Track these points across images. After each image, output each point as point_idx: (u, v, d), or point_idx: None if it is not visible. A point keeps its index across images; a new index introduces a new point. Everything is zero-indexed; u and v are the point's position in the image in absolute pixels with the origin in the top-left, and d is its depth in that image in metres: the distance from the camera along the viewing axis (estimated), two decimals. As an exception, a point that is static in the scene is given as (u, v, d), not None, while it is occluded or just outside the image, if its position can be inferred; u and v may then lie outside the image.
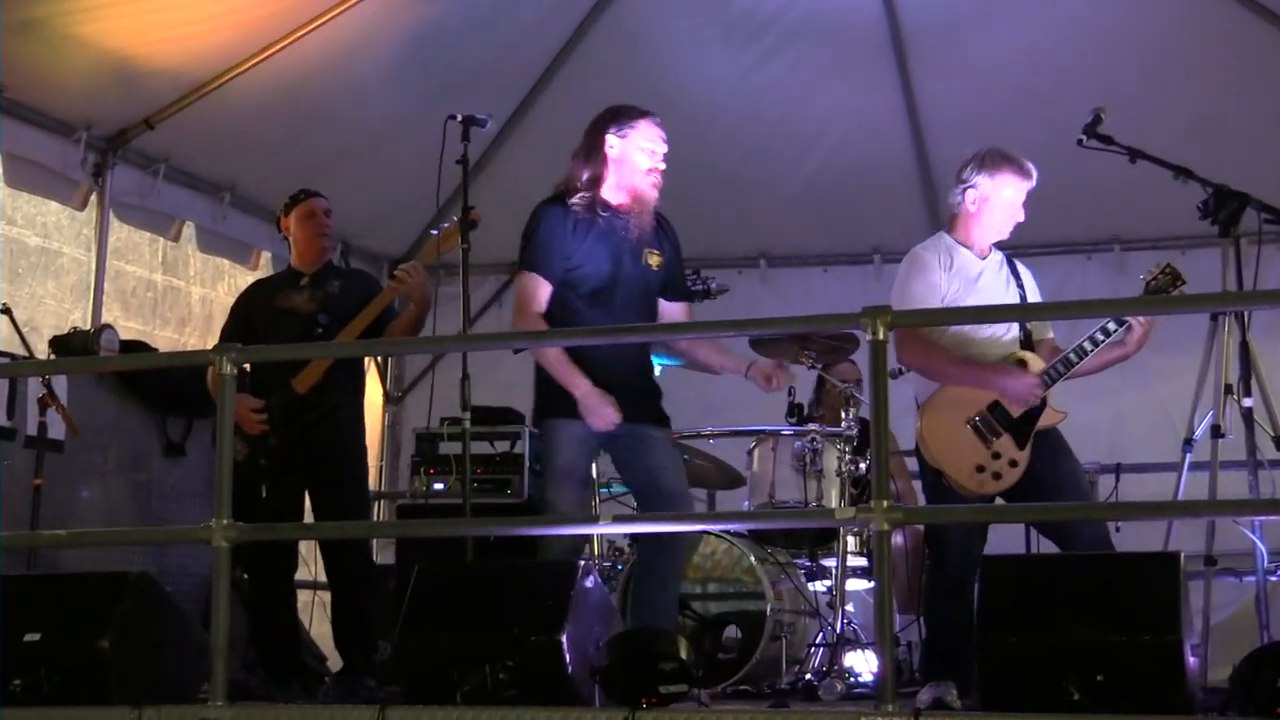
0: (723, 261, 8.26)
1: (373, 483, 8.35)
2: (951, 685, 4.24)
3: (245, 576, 5.57)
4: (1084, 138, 4.99)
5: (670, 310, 5.10)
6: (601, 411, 4.82)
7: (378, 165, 7.74)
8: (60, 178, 6.82)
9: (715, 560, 5.81)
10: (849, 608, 5.80)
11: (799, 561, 6.01)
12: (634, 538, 5.79)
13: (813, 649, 5.92)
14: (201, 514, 4.60)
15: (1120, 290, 7.90)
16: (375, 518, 8.28)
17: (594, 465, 6.11)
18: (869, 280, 8.56)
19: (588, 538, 5.17)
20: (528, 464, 6.83)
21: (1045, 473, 4.86)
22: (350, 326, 5.41)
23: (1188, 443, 5.22)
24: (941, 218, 5.54)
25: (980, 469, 4.84)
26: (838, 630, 5.63)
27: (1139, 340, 4.89)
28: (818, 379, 6.74)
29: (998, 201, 5.01)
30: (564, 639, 4.13)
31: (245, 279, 7.51)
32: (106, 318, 6.84)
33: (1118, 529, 5.01)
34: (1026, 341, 5.05)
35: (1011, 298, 5.07)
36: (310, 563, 6.00)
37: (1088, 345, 4.88)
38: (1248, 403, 4.96)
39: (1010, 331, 5.02)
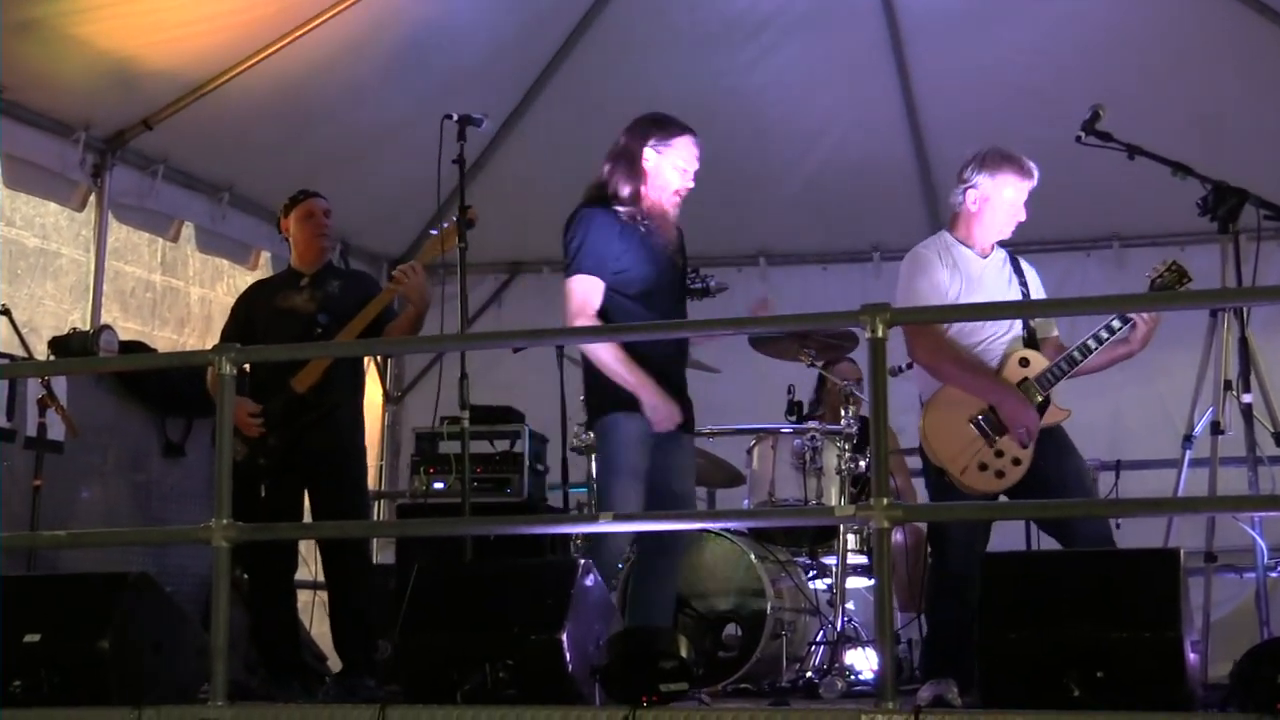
0: (722, 259, 8.26)
1: (372, 482, 8.35)
2: (952, 683, 4.24)
3: (245, 576, 5.57)
4: (1082, 134, 4.98)
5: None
6: (667, 411, 4.84)
7: (376, 165, 7.74)
8: (59, 178, 6.82)
9: (716, 559, 5.81)
10: (849, 606, 5.80)
11: (799, 559, 6.01)
12: (634, 537, 5.78)
13: (813, 647, 5.92)
14: (201, 514, 4.60)
15: (1120, 287, 7.90)
16: (376, 517, 8.29)
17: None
18: (868, 278, 8.57)
19: (630, 539, 5.18)
20: (527, 463, 6.84)
21: (1049, 471, 4.85)
22: (349, 326, 5.41)
23: (1187, 439, 5.22)
24: (941, 216, 5.55)
25: (983, 467, 4.83)
26: (838, 628, 5.63)
27: (1144, 338, 4.88)
28: (817, 377, 6.74)
29: (999, 201, 5.00)
30: (564, 638, 4.13)
31: (244, 279, 7.51)
32: (105, 318, 6.84)
33: (1118, 526, 5.00)
34: (1030, 339, 5.04)
35: (1014, 296, 5.06)
36: (310, 562, 6.00)
37: (1091, 343, 4.87)
38: (1247, 399, 4.96)
39: (1012, 330, 5.01)
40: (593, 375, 4.92)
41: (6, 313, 5.90)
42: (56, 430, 5.78)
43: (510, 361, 7.62)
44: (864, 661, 5.58)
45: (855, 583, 5.99)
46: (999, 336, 4.98)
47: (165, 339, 7.67)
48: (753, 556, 5.71)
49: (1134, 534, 5.25)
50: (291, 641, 5.54)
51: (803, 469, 5.76)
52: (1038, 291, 5.18)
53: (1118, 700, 3.67)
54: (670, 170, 4.96)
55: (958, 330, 4.95)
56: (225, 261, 8.02)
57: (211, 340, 6.79)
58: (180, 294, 7.89)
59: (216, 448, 4.49)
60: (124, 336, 6.62)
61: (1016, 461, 4.84)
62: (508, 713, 3.99)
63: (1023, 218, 5.05)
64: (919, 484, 5.99)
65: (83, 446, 6.06)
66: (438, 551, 6.10)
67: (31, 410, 5.71)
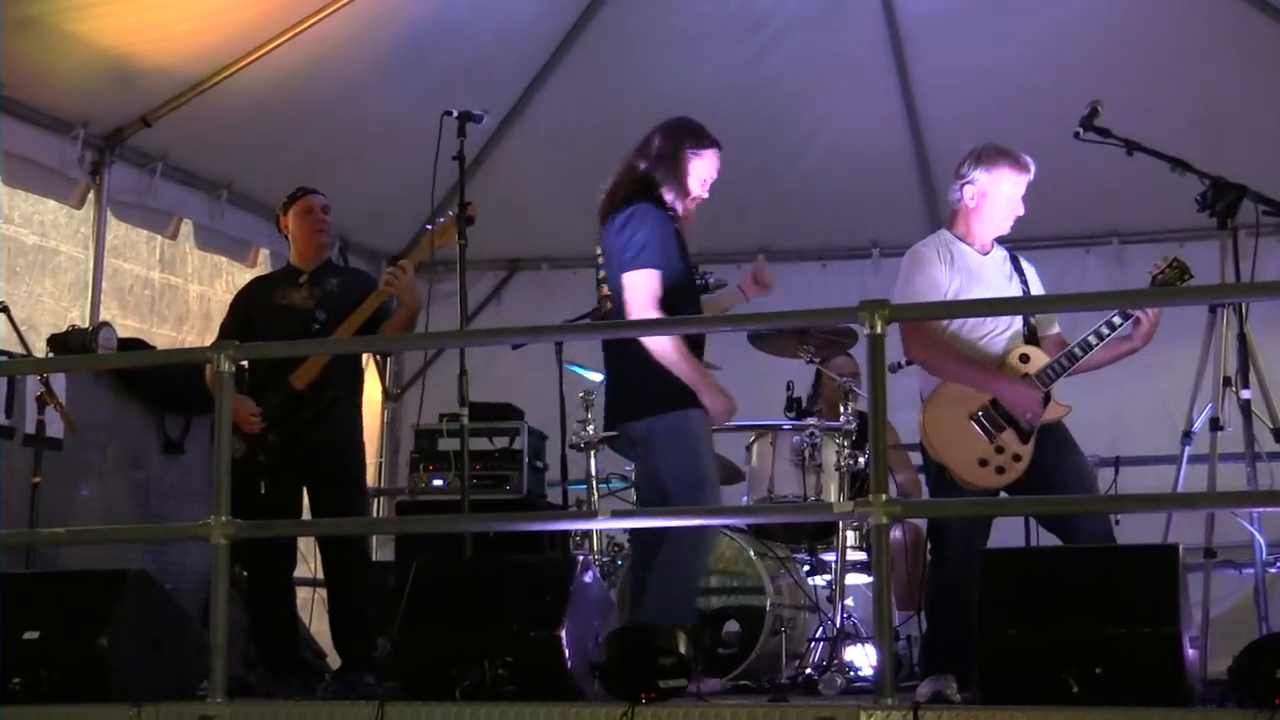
0: (721, 256, 8.24)
1: (372, 479, 8.37)
2: (951, 679, 4.24)
3: (244, 574, 5.56)
4: (1081, 130, 4.98)
5: None
6: (726, 405, 4.91)
7: (375, 162, 7.74)
8: (57, 176, 6.82)
9: (715, 555, 5.80)
10: (849, 602, 5.80)
11: (798, 556, 6.01)
12: (632, 535, 5.79)
13: (812, 643, 5.92)
14: (200, 511, 4.61)
15: (1119, 283, 7.90)
16: (375, 514, 8.29)
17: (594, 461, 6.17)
18: (867, 275, 8.57)
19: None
20: (526, 460, 6.84)
21: (1050, 467, 4.85)
22: (346, 324, 5.42)
23: (1186, 435, 5.22)
24: (941, 213, 5.54)
25: (984, 463, 4.84)
26: (837, 625, 5.62)
27: (1146, 334, 4.88)
28: (816, 373, 6.74)
29: (996, 196, 5.00)
30: (563, 634, 4.13)
31: (243, 276, 7.51)
32: (104, 316, 6.84)
33: (1117, 522, 5.00)
34: (1030, 336, 5.04)
35: (1014, 293, 5.06)
36: (310, 559, 6.00)
37: (1092, 339, 4.87)
38: (1246, 395, 4.96)
39: (1013, 326, 5.02)
40: (650, 370, 4.85)
41: (5, 310, 5.89)
42: (55, 428, 5.78)
43: (509, 358, 7.62)
44: (863, 658, 5.58)
45: (855, 579, 5.99)
46: (999, 333, 4.98)
47: (164, 336, 7.67)
48: (752, 553, 5.71)
49: (1133, 530, 5.24)
50: (291, 638, 5.54)
51: (802, 465, 5.76)
52: (1037, 289, 5.19)
53: (1117, 696, 3.68)
54: (694, 179, 5.04)
55: (958, 327, 4.95)
56: (224, 259, 8.02)
57: (210, 337, 6.79)
58: (179, 291, 7.90)
59: (215, 445, 4.49)
60: (123, 334, 6.63)
61: (1017, 458, 4.84)
62: (507, 709, 3.99)
63: (1021, 212, 5.05)
64: (925, 479, 5.99)
65: (82, 444, 6.07)
66: (437, 548, 6.11)
67: (30, 408, 5.72)
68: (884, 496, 3.91)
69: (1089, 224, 8.37)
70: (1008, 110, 7.46)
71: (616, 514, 5.43)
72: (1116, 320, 4.86)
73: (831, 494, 5.74)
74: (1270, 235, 5.24)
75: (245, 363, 5.53)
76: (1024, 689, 3.77)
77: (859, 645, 5.65)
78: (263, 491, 5.41)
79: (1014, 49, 7.56)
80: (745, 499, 6.00)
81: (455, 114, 5.53)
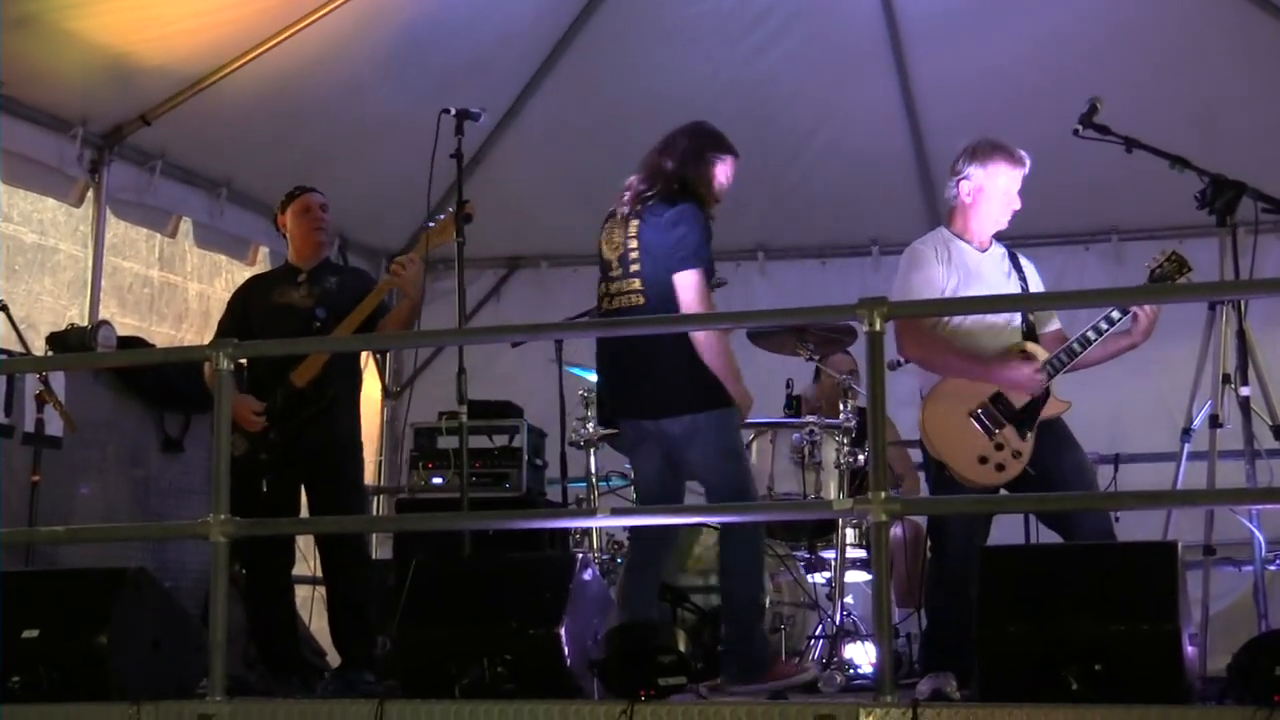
0: (720, 254, 8.18)
1: (371, 477, 8.37)
2: (951, 677, 4.24)
3: (243, 572, 5.56)
4: (1080, 127, 4.98)
5: None
6: (750, 403, 5.07)
7: (375, 159, 7.74)
8: (56, 174, 6.81)
9: (714, 552, 5.79)
10: (848, 600, 5.79)
11: (798, 554, 6.00)
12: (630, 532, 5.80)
13: (812, 641, 5.91)
14: (200, 510, 4.61)
15: (1118, 280, 7.90)
16: (375, 512, 8.29)
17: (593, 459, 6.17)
18: (867, 272, 8.56)
19: None
20: (526, 458, 6.84)
21: (1050, 464, 4.85)
22: (346, 321, 5.41)
23: (1186, 432, 5.21)
24: (940, 210, 5.54)
25: (983, 460, 4.84)
26: (837, 622, 5.62)
27: (1145, 330, 4.89)
28: (813, 370, 6.74)
29: (992, 191, 5.01)
30: (562, 632, 4.13)
31: (242, 274, 7.50)
32: (103, 314, 6.84)
33: (1116, 519, 5.01)
34: (1029, 333, 5.04)
35: (1013, 290, 5.06)
36: (309, 558, 6.00)
37: (1091, 334, 4.87)
38: (1245, 392, 4.95)
39: (1012, 323, 5.02)
40: (693, 366, 4.90)
41: (4, 309, 5.89)
42: (55, 426, 5.78)
43: (509, 356, 7.62)
44: (863, 655, 5.58)
45: (854, 577, 5.99)
46: (1000, 330, 4.98)
47: (163, 334, 7.67)
48: (751, 551, 5.70)
49: (1133, 527, 5.25)
50: (290, 637, 5.54)
51: (801, 463, 5.77)
52: (1036, 286, 5.19)
53: (1116, 694, 3.67)
54: (716, 184, 5.17)
55: (956, 324, 4.96)
56: (223, 257, 8.01)
57: (209, 336, 6.78)
58: (178, 289, 7.90)
59: (214, 443, 4.49)
60: (122, 332, 6.63)
61: (1017, 454, 4.84)
62: (506, 707, 3.98)
63: (1017, 206, 5.06)
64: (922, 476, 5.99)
65: (81, 442, 6.06)
66: (436, 546, 6.11)
67: (29, 406, 5.71)
68: (883, 494, 3.91)
69: (1088, 221, 8.37)
70: (1007, 107, 7.46)
71: (616, 512, 5.44)
72: (1115, 315, 4.86)
73: (831, 491, 5.74)
74: (1269, 232, 5.25)
75: (244, 361, 5.53)
76: (1023, 686, 3.76)
77: (859, 643, 5.65)
78: (264, 490, 5.40)
79: (1013, 45, 7.56)
80: (745, 496, 5.99)
81: (453, 112, 5.54)
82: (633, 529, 5.46)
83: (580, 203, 8.21)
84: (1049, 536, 5.07)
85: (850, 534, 5.77)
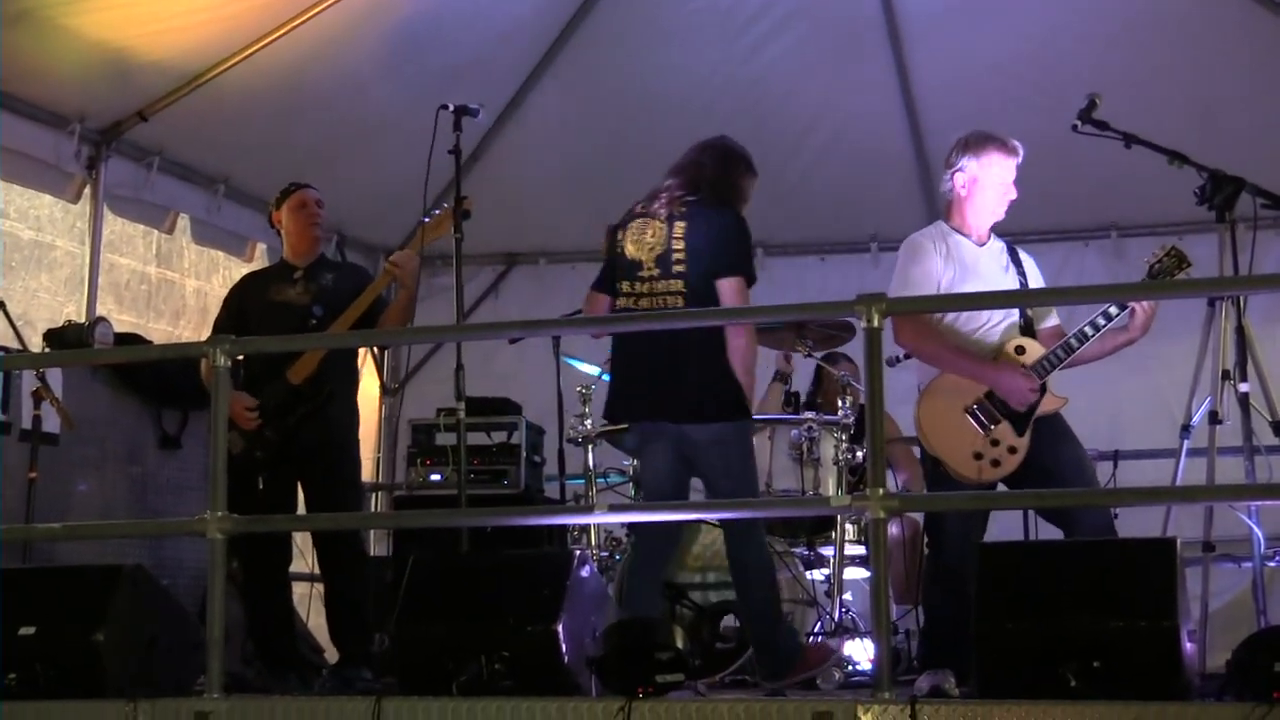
0: (719, 251, 8.24)
1: (369, 474, 8.37)
2: (949, 673, 4.24)
3: (238, 568, 5.55)
4: (1078, 123, 4.97)
5: None
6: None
7: (372, 156, 7.72)
8: (54, 170, 6.80)
9: (713, 550, 5.80)
10: (847, 596, 5.80)
11: (797, 550, 6.00)
12: (630, 529, 5.79)
13: (811, 638, 5.91)
14: (197, 507, 4.60)
15: (1118, 276, 7.90)
16: (374, 509, 8.29)
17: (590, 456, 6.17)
18: (866, 269, 8.56)
19: None
20: (524, 454, 6.84)
21: (1047, 459, 4.85)
22: (343, 317, 5.40)
23: (1185, 429, 5.21)
24: (938, 206, 5.53)
25: (979, 456, 4.83)
26: (835, 619, 5.62)
27: (1143, 325, 4.88)
28: (815, 368, 6.74)
29: (987, 182, 5.01)
30: (560, 629, 4.12)
31: (240, 271, 7.49)
32: (100, 311, 6.83)
33: (1115, 515, 5.00)
34: (1027, 328, 5.03)
35: (1010, 284, 5.05)
36: (307, 555, 6.00)
37: (1088, 330, 4.87)
38: (1244, 388, 4.95)
39: (1009, 318, 5.01)
40: (726, 373, 4.91)
41: (1, 305, 5.89)
42: (52, 423, 5.77)
43: (507, 353, 7.61)
44: (861, 652, 5.58)
45: (853, 573, 5.99)
46: (995, 325, 4.98)
47: (160, 331, 7.66)
48: (750, 547, 5.70)
49: (1132, 524, 5.25)
50: (287, 634, 5.53)
51: (800, 460, 5.76)
52: (1036, 281, 5.18)
53: (1115, 690, 3.67)
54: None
55: (953, 318, 4.95)
56: (221, 253, 8.00)
57: (207, 332, 6.77)
58: (175, 286, 7.88)
59: (211, 440, 4.48)
60: (119, 329, 6.61)
61: (1012, 450, 4.83)
62: (503, 704, 3.98)
63: (1014, 196, 5.05)
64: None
65: (78, 439, 6.05)
66: (434, 543, 6.10)
67: (26, 403, 5.70)
68: (881, 491, 3.90)
69: (1087, 217, 8.37)
70: (1006, 103, 7.44)
71: (614, 508, 5.43)
72: (1113, 311, 4.85)
73: (830, 488, 5.74)
74: (1268, 228, 5.26)
75: (241, 358, 5.52)
76: (1021, 683, 3.76)
77: (857, 639, 5.65)
78: (260, 487, 5.39)
79: (1012, 41, 7.55)
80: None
81: (451, 108, 5.53)
82: (637, 532, 5.45)
83: (578, 199, 8.24)
84: (1047, 532, 5.07)
85: (849, 530, 5.77)
